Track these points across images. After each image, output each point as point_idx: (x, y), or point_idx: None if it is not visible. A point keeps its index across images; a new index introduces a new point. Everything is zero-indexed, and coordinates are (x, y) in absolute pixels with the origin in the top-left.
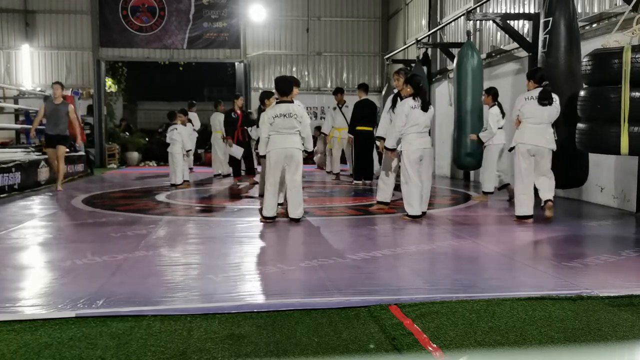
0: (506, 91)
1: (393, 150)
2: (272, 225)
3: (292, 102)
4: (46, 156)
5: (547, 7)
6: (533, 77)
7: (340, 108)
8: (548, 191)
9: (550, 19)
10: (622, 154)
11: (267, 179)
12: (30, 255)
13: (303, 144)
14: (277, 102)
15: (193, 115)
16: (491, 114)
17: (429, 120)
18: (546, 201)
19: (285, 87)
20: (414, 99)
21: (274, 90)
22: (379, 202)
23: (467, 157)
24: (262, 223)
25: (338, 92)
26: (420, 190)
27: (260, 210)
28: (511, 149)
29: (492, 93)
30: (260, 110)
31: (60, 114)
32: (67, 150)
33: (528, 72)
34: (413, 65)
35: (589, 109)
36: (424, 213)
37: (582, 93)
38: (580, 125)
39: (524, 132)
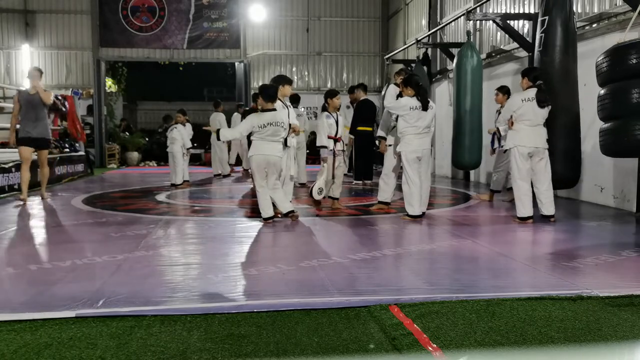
0: None
1: (384, 138)
2: (271, 225)
3: (275, 109)
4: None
5: (544, 6)
6: (528, 75)
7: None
8: (550, 205)
9: (547, 17)
10: None
11: (255, 182)
12: (30, 255)
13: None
14: (261, 111)
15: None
16: None
17: (429, 121)
18: (549, 216)
19: (272, 91)
20: (417, 99)
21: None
22: (379, 202)
23: (466, 157)
24: (262, 223)
25: (353, 90)
26: (420, 190)
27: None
28: (505, 151)
29: (505, 91)
30: (324, 108)
31: (37, 106)
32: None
33: (523, 70)
34: (413, 65)
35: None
36: (423, 213)
37: (602, 91)
38: (605, 126)
39: (521, 133)
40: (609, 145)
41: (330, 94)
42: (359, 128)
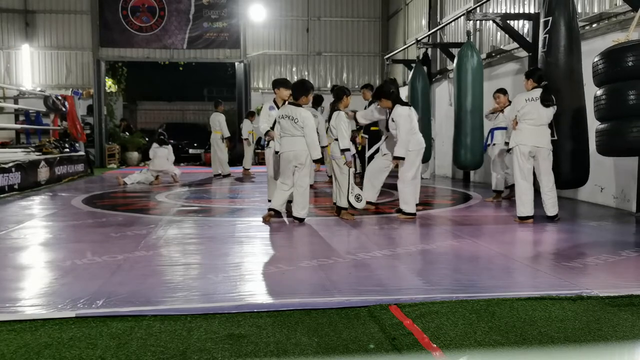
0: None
1: (403, 158)
2: (272, 225)
3: (299, 106)
4: (47, 156)
5: (546, 7)
6: (532, 76)
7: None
8: (552, 207)
9: (550, 18)
10: None
11: (281, 177)
12: (30, 255)
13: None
14: (288, 103)
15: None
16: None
17: (415, 121)
18: (552, 217)
19: (296, 92)
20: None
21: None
22: (368, 202)
23: (467, 157)
24: (263, 222)
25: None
26: (417, 188)
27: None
28: (509, 150)
29: (505, 93)
30: (334, 108)
31: None
32: None
33: (527, 71)
34: (413, 65)
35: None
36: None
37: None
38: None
39: (524, 133)
40: (605, 146)
41: (345, 91)
42: (372, 128)
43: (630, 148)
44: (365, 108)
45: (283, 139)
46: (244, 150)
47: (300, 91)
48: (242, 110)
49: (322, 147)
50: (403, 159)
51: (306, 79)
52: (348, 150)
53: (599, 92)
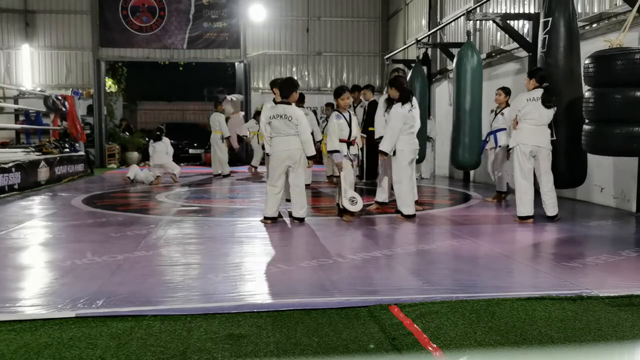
0: None
1: (387, 154)
2: (272, 225)
3: (290, 104)
4: (47, 156)
5: (546, 7)
6: (534, 76)
7: (355, 108)
8: (553, 207)
9: (550, 19)
10: None
11: (270, 180)
12: (30, 255)
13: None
14: (276, 103)
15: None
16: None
17: (413, 120)
18: (552, 217)
19: (285, 90)
20: (405, 103)
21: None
22: (376, 202)
23: (465, 157)
24: (262, 223)
25: (354, 90)
26: (414, 189)
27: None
28: (509, 150)
29: (507, 92)
30: (333, 107)
31: None
32: None
33: (529, 70)
34: (413, 65)
35: None
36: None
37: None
38: None
39: (525, 132)
40: (590, 145)
41: (338, 92)
42: (371, 129)
43: (615, 150)
44: (363, 108)
45: (274, 140)
46: (252, 150)
47: (289, 88)
48: (242, 110)
49: (318, 142)
50: (387, 154)
51: (293, 77)
52: (337, 151)
53: (588, 93)
